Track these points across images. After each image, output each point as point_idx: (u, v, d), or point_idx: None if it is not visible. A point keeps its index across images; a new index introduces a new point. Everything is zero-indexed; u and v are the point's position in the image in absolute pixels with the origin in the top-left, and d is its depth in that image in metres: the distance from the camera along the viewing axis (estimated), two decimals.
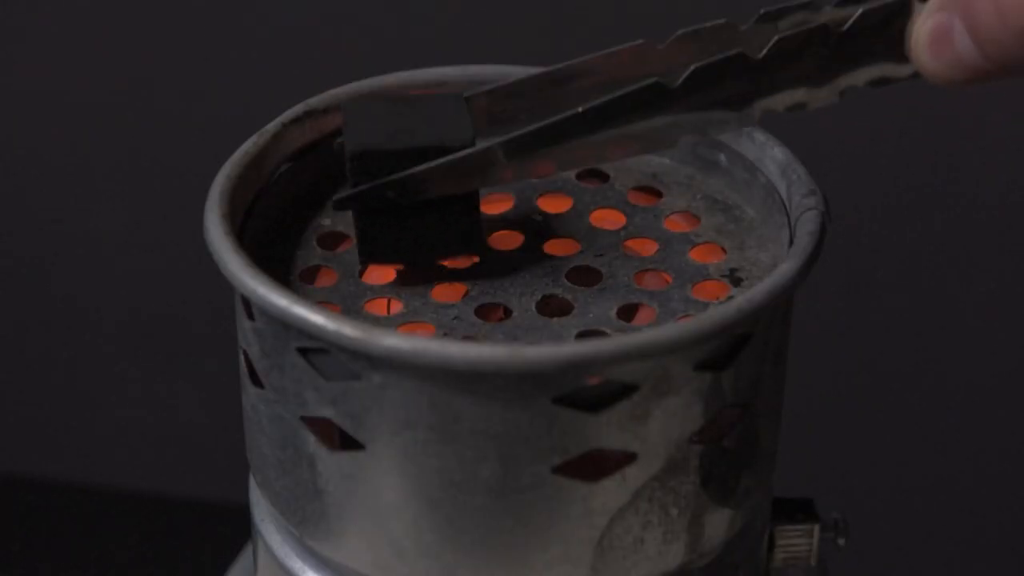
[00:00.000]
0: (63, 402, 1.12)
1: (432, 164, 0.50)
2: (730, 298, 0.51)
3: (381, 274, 0.52)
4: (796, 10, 0.51)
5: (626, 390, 0.47)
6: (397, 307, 0.51)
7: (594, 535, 0.48)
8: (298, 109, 0.55)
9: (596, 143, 0.50)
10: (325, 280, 0.52)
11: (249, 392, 0.51)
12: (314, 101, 0.56)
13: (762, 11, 0.51)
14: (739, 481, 0.51)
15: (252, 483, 0.55)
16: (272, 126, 0.55)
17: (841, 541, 0.57)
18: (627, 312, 0.51)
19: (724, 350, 0.48)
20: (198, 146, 0.93)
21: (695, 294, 0.51)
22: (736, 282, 0.52)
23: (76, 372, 1.11)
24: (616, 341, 0.46)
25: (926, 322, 1.00)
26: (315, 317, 0.46)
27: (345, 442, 0.48)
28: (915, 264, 0.98)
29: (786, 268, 0.48)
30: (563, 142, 0.50)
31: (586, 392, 0.46)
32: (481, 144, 0.50)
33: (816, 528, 0.56)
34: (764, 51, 0.49)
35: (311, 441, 0.49)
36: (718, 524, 0.51)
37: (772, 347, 0.50)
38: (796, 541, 0.56)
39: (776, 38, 0.49)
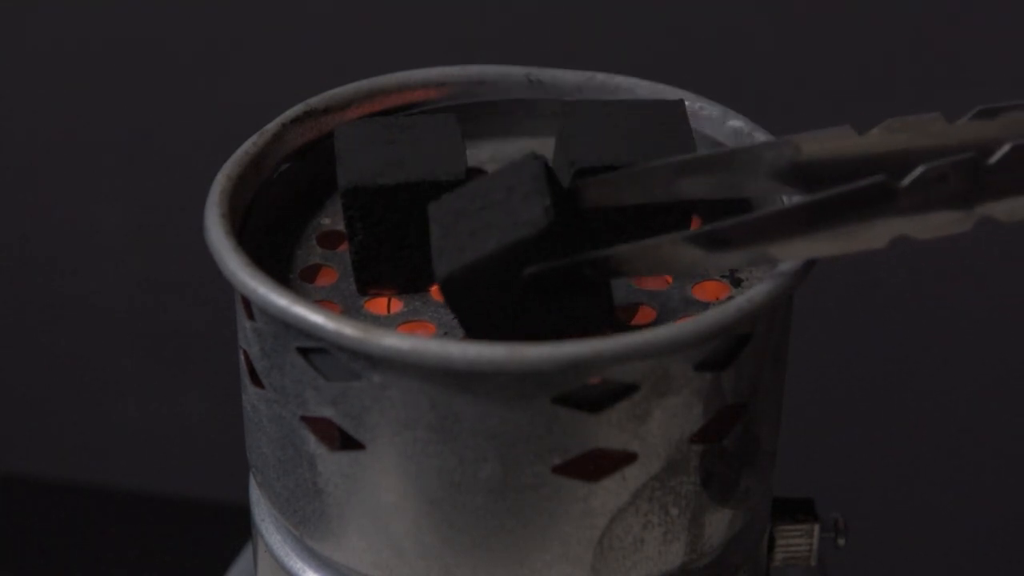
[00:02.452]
0: (63, 402, 1.12)
1: (633, 246, 0.47)
2: (730, 298, 0.51)
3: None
4: (1013, 109, 0.48)
5: (626, 390, 0.47)
6: (397, 306, 0.51)
7: (594, 535, 0.48)
8: (298, 109, 0.55)
9: (804, 238, 0.46)
10: (325, 279, 0.52)
11: (249, 392, 0.51)
12: (314, 101, 0.56)
13: (979, 108, 0.49)
14: (739, 481, 0.51)
15: (252, 483, 0.55)
16: (272, 126, 0.55)
17: (841, 541, 0.57)
18: (627, 312, 0.51)
19: (724, 350, 0.48)
20: (198, 146, 0.93)
21: (695, 294, 0.51)
22: (736, 283, 0.52)
23: (76, 372, 1.11)
24: (616, 341, 0.46)
25: (926, 322, 1.00)
26: (315, 317, 0.46)
27: (345, 442, 0.48)
28: (915, 264, 0.98)
29: (786, 268, 0.48)
30: (774, 237, 0.47)
31: (586, 392, 0.46)
32: (681, 233, 0.47)
33: (816, 528, 0.56)
34: (997, 157, 0.46)
35: (311, 441, 0.49)
36: (718, 524, 0.51)
37: (772, 347, 0.50)
38: (796, 541, 0.56)
39: (1009, 147, 0.46)
